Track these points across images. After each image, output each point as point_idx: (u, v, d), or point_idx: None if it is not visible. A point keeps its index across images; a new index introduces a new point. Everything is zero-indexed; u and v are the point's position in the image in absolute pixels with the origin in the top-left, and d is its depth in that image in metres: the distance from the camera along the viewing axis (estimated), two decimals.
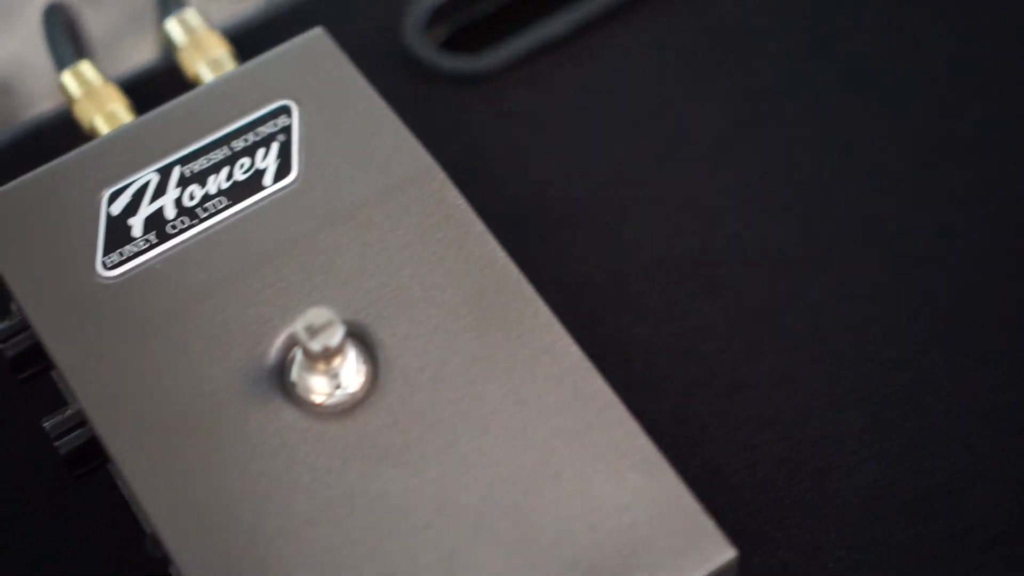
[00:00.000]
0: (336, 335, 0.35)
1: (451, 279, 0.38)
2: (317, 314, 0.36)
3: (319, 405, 0.36)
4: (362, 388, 0.37)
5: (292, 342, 0.37)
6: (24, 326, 0.39)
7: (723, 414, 0.42)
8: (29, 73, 1.03)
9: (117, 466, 0.36)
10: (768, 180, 0.47)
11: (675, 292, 0.45)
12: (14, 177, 0.40)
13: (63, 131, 0.47)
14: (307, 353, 0.36)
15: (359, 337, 0.37)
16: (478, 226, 0.39)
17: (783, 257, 0.45)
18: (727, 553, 0.35)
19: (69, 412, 0.38)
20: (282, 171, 0.40)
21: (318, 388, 0.36)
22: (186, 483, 0.35)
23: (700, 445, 0.42)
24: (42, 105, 0.99)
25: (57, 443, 0.38)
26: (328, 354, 0.36)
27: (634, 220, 0.46)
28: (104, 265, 0.38)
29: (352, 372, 0.37)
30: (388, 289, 0.38)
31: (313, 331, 0.35)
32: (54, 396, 0.41)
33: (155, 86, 0.47)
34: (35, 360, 0.39)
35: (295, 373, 0.37)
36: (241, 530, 0.35)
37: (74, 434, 0.38)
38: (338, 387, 0.36)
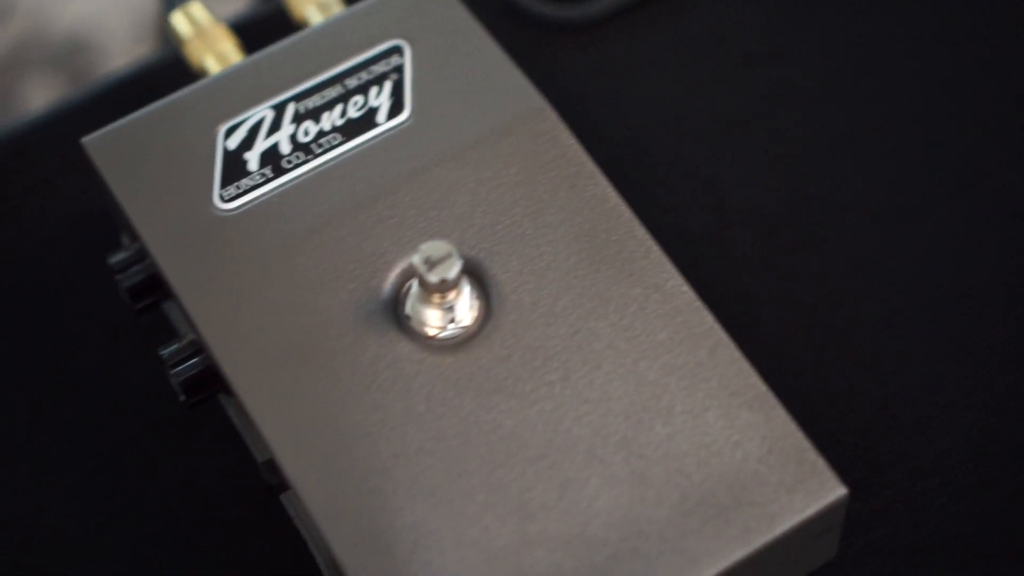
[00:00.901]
0: (454, 268, 0.36)
1: (563, 217, 0.38)
2: (436, 247, 0.36)
3: (432, 338, 0.37)
4: (475, 322, 0.37)
5: (407, 276, 0.38)
6: (140, 257, 0.40)
7: (821, 361, 0.43)
8: (104, 31, 1.04)
9: (235, 394, 0.37)
10: (867, 131, 0.47)
11: (772, 241, 0.45)
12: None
13: (143, 85, 0.48)
14: (424, 285, 0.36)
15: (472, 272, 0.38)
16: (589, 166, 0.39)
17: (882, 208, 0.45)
18: (838, 491, 0.35)
19: (185, 341, 0.39)
20: (395, 109, 0.40)
21: (432, 321, 0.37)
22: (304, 411, 0.36)
23: (798, 392, 0.42)
24: (116, 62, 1.00)
25: (173, 371, 0.38)
26: (445, 287, 0.36)
27: (731, 169, 0.46)
28: (221, 198, 0.39)
29: (466, 306, 0.37)
30: (501, 226, 0.38)
31: (431, 263, 0.36)
32: (167, 328, 0.42)
33: (256, 30, 0.48)
34: (151, 291, 0.40)
35: (409, 306, 0.37)
36: (357, 457, 0.35)
37: (190, 362, 0.38)
38: (452, 321, 0.37)
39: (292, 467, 0.35)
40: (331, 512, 0.35)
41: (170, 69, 0.47)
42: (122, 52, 1.03)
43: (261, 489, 0.39)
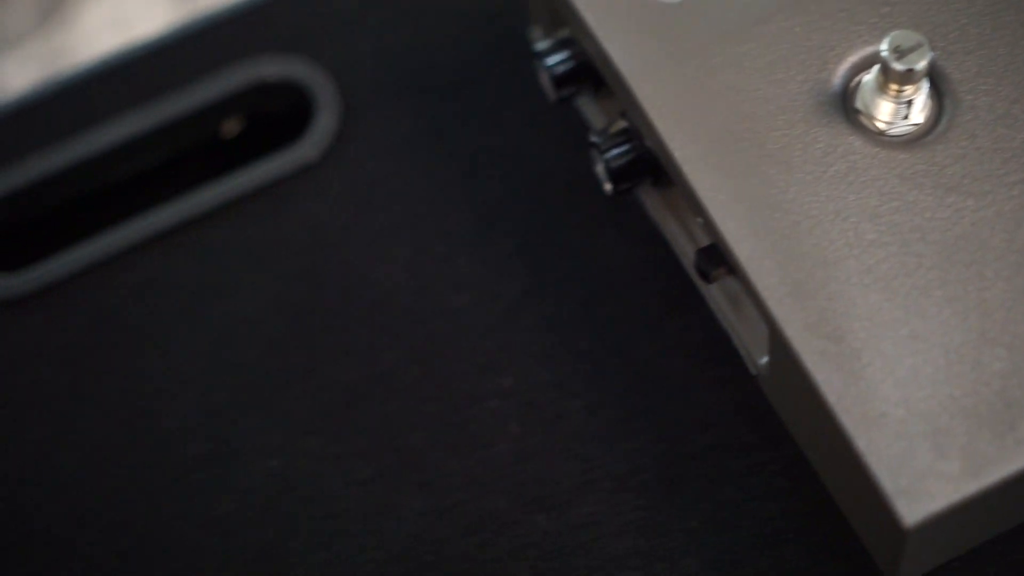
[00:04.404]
0: (924, 57, 0.35)
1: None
2: (906, 36, 0.35)
3: (883, 133, 0.36)
4: (927, 122, 0.36)
5: (857, 69, 0.37)
6: (567, 45, 0.40)
7: None
8: None
9: (681, 177, 0.36)
10: None
11: None
12: None
13: None
14: (887, 74, 0.35)
15: (928, 72, 0.37)
16: None
17: None
18: None
19: (616, 128, 0.39)
20: None
21: (885, 115, 0.36)
22: (753, 197, 0.36)
23: None
24: None
25: (605, 156, 0.38)
26: (910, 78, 0.35)
27: None
28: None
29: (921, 103, 0.36)
30: (956, 26, 0.37)
31: (901, 52, 0.35)
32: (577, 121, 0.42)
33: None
34: (574, 79, 0.40)
35: (860, 100, 0.36)
36: (809, 245, 0.35)
37: (622, 149, 0.38)
38: (904, 117, 0.36)
39: (742, 250, 0.35)
40: (782, 296, 0.35)
41: None
42: None
43: (695, 273, 0.39)
